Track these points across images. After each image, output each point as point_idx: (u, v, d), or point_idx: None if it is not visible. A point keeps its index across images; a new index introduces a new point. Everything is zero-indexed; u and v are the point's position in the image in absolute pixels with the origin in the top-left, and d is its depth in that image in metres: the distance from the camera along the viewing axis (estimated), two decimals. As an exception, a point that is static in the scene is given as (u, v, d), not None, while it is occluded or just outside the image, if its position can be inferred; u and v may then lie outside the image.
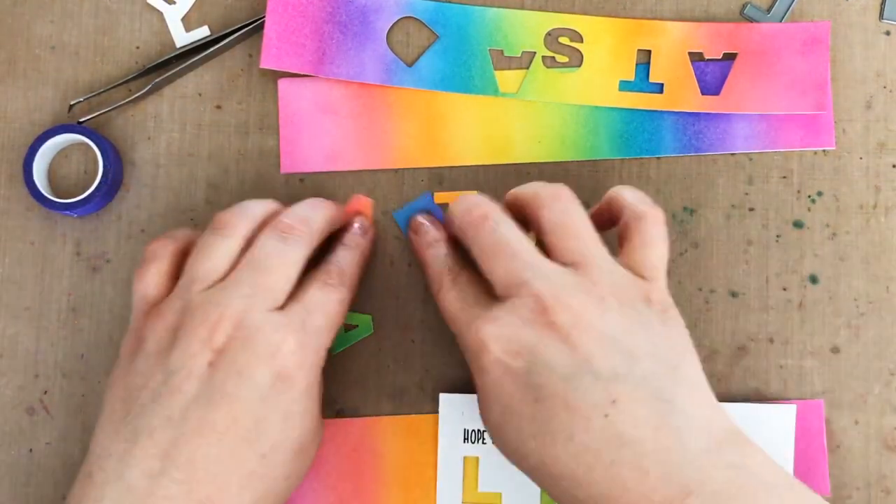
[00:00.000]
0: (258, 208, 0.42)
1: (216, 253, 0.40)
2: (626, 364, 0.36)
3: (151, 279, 0.41)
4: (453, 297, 0.41)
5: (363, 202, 0.46)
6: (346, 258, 0.43)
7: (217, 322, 0.38)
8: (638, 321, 0.37)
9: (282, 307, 0.40)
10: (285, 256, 0.40)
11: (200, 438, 0.37)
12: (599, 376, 0.36)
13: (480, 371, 0.38)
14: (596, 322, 0.37)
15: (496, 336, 0.37)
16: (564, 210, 0.39)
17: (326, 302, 0.41)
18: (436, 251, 0.43)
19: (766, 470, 0.36)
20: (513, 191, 0.42)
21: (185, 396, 0.37)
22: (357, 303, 0.45)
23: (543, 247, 0.40)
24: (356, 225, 0.45)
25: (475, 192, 0.46)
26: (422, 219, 0.45)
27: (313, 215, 0.42)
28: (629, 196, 0.41)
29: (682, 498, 0.34)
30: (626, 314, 0.37)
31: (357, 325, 0.46)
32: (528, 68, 0.47)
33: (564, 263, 0.38)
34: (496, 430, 0.38)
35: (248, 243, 0.41)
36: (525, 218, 0.41)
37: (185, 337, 0.38)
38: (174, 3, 0.48)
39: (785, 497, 0.35)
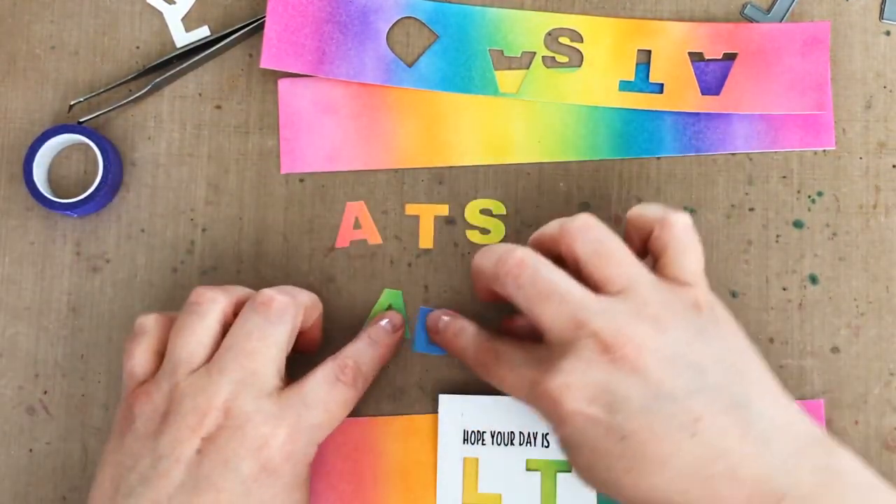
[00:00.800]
0: (236, 288, 0.42)
1: (197, 332, 0.40)
2: (698, 378, 0.36)
3: (140, 356, 0.40)
4: (505, 371, 0.40)
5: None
6: (367, 355, 0.42)
7: (206, 410, 0.38)
8: (695, 332, 0.37)
9: (279, 390, 0.39)
10: (268, 337, 0.39)
11: None
12: (676, 398, 0.36)
13: (560, 423, 0.37)
14: (658, 345, 0.37)
15: (567, 385, 0.36)
16: (598, 239, 0.39)
17: (330, 400, 0.40)
18: (464, 338, 0.42)
19: (852, 470, 0.36)
20: (536, 233, 0.41)
21: (171, 482, 0.37)
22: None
23: (580, 280, 0.39)
24: (384, 321, 0.44)
25: (495, 242, 0.43)
26: (436, 315, 0.44)
27: (297, 292, 0.41)
28: (651, 211, 0.40)
29: (776, 502, 0.35)
30: (682, 328, 0.37)
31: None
32: (528, 68, 0.47)
33: (609, 293, 0.38)
34: (587, 472, 0.38)
35: (228, 321, 0.41)
36: (554, 255, 0.40)
37: (175, 423, 0.38)
38: (174, 3, 0.48)
39: (870, 497, 0.36)
